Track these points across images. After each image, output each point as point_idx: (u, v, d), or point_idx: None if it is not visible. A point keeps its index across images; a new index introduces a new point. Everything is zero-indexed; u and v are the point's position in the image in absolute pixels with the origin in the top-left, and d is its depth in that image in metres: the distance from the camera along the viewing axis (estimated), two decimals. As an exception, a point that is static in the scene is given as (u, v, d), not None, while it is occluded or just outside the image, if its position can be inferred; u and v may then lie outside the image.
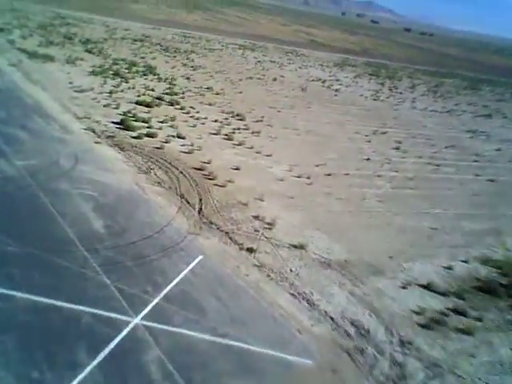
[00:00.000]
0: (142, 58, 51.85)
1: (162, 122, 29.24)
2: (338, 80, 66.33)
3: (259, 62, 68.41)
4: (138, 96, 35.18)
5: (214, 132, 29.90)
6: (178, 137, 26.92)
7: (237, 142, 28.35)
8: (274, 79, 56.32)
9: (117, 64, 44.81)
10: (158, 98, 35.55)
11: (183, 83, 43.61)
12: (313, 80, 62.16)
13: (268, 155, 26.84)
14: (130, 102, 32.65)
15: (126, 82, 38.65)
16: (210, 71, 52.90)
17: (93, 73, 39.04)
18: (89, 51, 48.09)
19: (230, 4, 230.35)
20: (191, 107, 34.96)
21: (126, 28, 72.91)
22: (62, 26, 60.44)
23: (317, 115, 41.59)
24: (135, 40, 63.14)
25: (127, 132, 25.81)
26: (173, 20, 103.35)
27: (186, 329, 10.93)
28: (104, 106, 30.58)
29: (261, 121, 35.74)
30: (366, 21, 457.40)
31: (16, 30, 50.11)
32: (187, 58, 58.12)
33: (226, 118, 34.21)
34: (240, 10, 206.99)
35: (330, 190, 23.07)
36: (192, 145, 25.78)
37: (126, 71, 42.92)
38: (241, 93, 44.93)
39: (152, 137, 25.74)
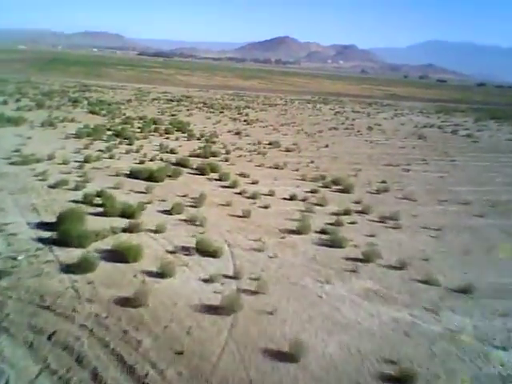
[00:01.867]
0: (173, 115, 37.67)
1: (168, 213, 12.61)
2: (457, 125, 47.85)
3: (338, 112, 52.35)
4: (139, 163, 19.16)
5: (292, 229, 12.58)
6: (203, 252, 10.12)
7: (359, 255, 10.67)
8: (369, 128, 39.39)
9: (126, 123, 30.20)
10: (178, 164, 19.35)
11: (230, 139, 27.74)
12: (424, 126, 44.33)
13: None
14: (118, 174, 16.55)
15: (129, 144, 23.38)
16: (273, 124, 37.17)
17: (75, 135, 24.24)
18: (93, 112, 34.44)
19: (286, 74, 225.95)
20: (241, 174, 18.37)
21: (163, 91, 61.24)
22: (77, 93, 49.07)
23: (474, 171, 23.09)
24: (170, 100, 50.14)
25: (60, 251, 9.27)
26: (226, 85, 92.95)
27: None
28: (51, 185, 14.56)
29: (386, 190, 17.80)
30: (431, 81, 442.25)
31: (2, 97, 38.10)
32: (239, 113, 43.36)
33: (314, 191, 16.93)
34: (299, 76, 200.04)
35: None
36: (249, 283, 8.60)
37: (138, 130, 27.98)
38: (327, 147, 28.00)
39: (126, 261, 9.10)
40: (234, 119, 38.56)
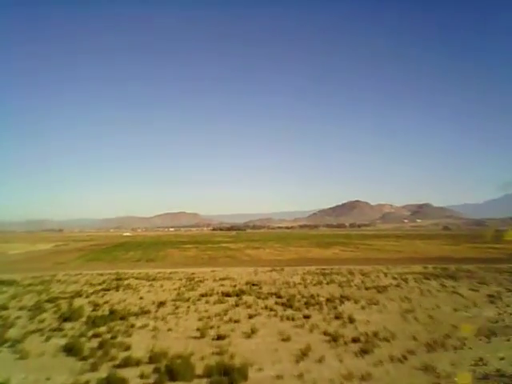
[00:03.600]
0: (219, 337, 20.54)
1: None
2: None
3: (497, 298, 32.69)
4: None
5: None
6: None
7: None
8: None
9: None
10: None
11: None
12: None
13: None
14: None
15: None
16: (408, 338, 18.56)
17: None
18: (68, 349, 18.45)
19: (367, 237, 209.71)
20: None
21: (223, 277, 45.76)
22: (91, 296, 34.53)
23: None
24: (227, 295, 33.77)
25: None
26: (304, 257, 76.94)
27: None
28: None
29: None
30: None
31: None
32: (338, 316, 25.37)
33: None
34: (383, 238, 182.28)
35: None
36: None
37: None
38: None
39: None
40: (335, 337, 20.67)
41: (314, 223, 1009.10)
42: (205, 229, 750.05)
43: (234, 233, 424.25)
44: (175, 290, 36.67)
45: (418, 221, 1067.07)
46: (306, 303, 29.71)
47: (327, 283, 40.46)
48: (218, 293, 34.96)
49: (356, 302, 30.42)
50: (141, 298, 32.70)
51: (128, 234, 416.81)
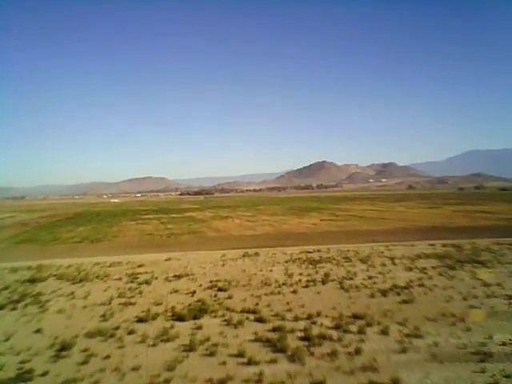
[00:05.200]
0: None
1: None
2: None
3: None
4: None
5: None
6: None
7: None
8: None
9: None
10: None
11: None
12: None
13: None
14: None
15: None
16: None
17: None
18: None
19: (341, 201, 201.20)
20: None
21: (180, 273, 33.23)
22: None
23: None
24: (178, 318, 21.53)
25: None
26: (279, 231, 65.47)
27: None
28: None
29: None
30: (494, 190, 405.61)
31: None
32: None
33: None
34: (357, 202, 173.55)
35: None
36: None
37: None
38: None
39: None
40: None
41: (282, 185, 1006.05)
42: (172, 194, 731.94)
43: (201, 198, 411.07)
44: (102, 305, 24.13)
45: (383, 180, 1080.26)
46: (304, 339, 18.00)
47: (322, 281, 28.78)
48: (165, 311, 22.75)
49: (384, 332, 18.79)
50: (37, 332, 20.10)
51: (116, 200, 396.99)
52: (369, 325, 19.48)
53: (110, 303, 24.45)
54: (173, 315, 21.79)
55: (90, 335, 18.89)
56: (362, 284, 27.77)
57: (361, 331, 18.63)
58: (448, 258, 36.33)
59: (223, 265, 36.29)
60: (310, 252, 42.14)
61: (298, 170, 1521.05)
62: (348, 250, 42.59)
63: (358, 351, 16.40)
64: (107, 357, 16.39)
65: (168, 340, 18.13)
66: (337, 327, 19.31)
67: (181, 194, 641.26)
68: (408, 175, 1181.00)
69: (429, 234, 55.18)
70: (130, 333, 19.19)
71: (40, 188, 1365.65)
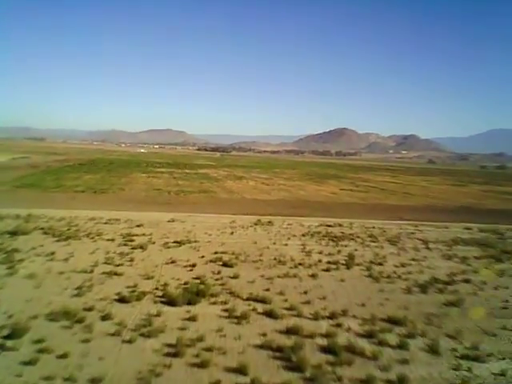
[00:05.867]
0: None
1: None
2: None
3: None
4: None
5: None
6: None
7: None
8: None
9: None
10: None
11: None
12: None
13: None
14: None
15: None
16: None
17: None
18: None
19: (360, 170, 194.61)
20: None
21: (182, 238, 28.98)
22: None
23: None
24: (168, 302, 17.41)
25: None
26: (296, 198, 60.78)
27: None
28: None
29: None
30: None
31: None
32: None
33: None
34: (378, 174, 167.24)
35: None
36: None
37: None
38: None
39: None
40: None
41: (300, 149, 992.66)
42: (190, 148, 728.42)
43: (218, 155, 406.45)
44: (82, 273, 20.00)
45: (403, 152, 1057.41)
46: (327, 351, 13.61)
47: (346, 265, 24.22)
48: (155, 288, 18.57)
49: (433, 349, 14.06)
50: (-6, 303, 16.12)
51: (143, 150, 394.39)
52: (411, 336, 14.97)
53: (92, 271, 20.34)
54: (163, 296, 17.59)
55: (53, 317, 14.75)
56: (395, 273, 23.16)
57: (402, 346, 14.13)
58: (491, 247, 31.39)
59: (232, 233, 31.92)
60: (329, 225, 37.48)
61: (317, 134, 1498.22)
62: (373, 227, 37.82)
63: (401, 381, 11.97)
64: (63, 356, 12.21)
65: (149, 335, 13.88)
66: (369, 336, 14.86)
67: (198, 149, 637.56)
68: (429, 149, 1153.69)
69: (459, 215, 49.86)
70: (104, 318, 14.99)
71: (60, 131, 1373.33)
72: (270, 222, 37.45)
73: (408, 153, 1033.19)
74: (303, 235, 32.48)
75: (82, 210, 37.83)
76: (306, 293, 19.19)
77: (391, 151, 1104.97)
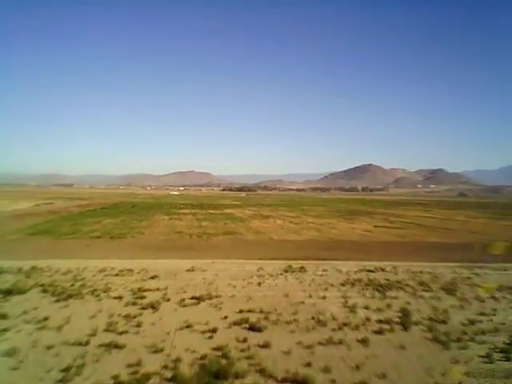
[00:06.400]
0: None
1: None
2: None
3: None
4: None
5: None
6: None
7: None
8: None
9: None
10: None
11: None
12: None
13: None
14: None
15: None
16: None
17: None
18: None
19: (392, 205, 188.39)
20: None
21: (201, 294, 24.83)
22: None
23: None
24: None
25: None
26: (328, 237, 56.22)
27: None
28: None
29: None
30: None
31: None
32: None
33: None
34: (411, 208, 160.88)
35: None
36: None
37: None
38: None
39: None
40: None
41: (326, 186, 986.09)
42: (215, 189, 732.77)
43: (243, 194, 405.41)
44: (75, 346, 16.05)
45: (432, 186, 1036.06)
46: None
47: (402, 324, 19.63)
48: (164, 367, 14.42)
49: None
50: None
51: (175, 193, 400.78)
52: None
53: (87, 342, 16.48)
54: (172, 380, 13.54)
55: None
56: (465, 334, 18.45)
57: None
58: None
59: (260, 283, 27.71)
60: (371, 271, 32.84)
61: (342, 171, 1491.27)
62: (421, 272, 32.92)
63: None
64: None
65: None
66: None
67: (223, 190, 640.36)
68: (459, 182, 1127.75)
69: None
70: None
71: (88, 177, 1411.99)
72: (302, 267, 33.09)
73: (437, 187, 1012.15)
74: (342, 284, 27.99)
75: (94, 260, 34.40)
76: (358, 368, 14.81)
77: (420, 186, 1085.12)
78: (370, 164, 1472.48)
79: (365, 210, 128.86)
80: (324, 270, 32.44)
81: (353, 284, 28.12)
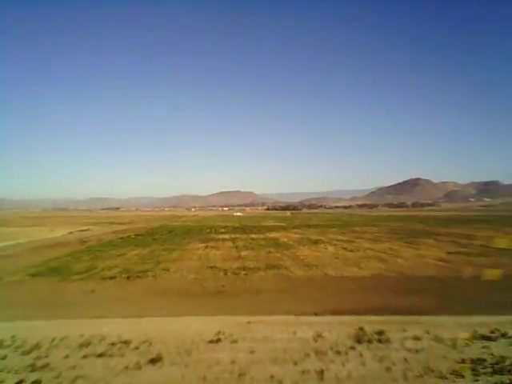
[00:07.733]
0: None
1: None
2: None
3: None
4: None
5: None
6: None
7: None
8: None
9: None
10: None
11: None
12: None
13: None
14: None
15: None
16: None
17: None
18: None
19: (453, 221, 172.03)
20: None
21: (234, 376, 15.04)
22: None
23: None
24: None
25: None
26: (394, 270, 44.84)
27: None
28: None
29: None
30: None
31: None
32: None
33: None
34: (476, 227, 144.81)
35: None
36: None
37: None
38: None
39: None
40: None
41: (373, 202, 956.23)
42: (259, 208, 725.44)
43: (288, 213, 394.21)
44: None
45: (486, 200, 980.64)
46: None
47: None
48: None
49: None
50: None
51: (239, 213, 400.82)
52: None
53: None
54: None
55: None
56: None
57: None
58: None
59: (321, 372, 17.32)
60: (489, 338, 21.59)
61: (389, 186, 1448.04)
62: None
63: None
64: None
65: None
66: None
67: (267, 209, 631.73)
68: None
69: None
70: None
71: (135, 200, 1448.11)
72: (380, 332, 22.34)
73: (491, 200, 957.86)
74: (457, 373, 17.11)
75: (86, 320, 25.21)
76: None
77: (472, 199, 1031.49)
78: (419, 178, 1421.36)
79: (424, 230, 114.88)
80: (416, 339, 21.52)
81: (475, 372, 17.17)
